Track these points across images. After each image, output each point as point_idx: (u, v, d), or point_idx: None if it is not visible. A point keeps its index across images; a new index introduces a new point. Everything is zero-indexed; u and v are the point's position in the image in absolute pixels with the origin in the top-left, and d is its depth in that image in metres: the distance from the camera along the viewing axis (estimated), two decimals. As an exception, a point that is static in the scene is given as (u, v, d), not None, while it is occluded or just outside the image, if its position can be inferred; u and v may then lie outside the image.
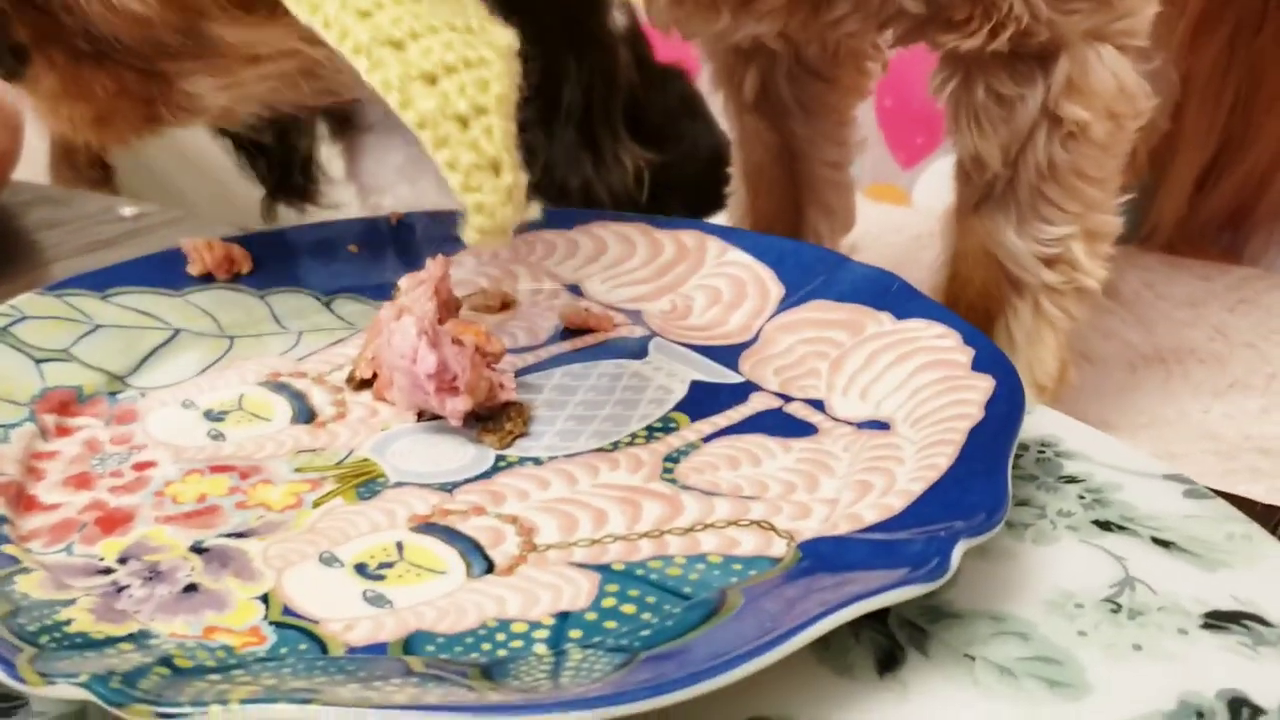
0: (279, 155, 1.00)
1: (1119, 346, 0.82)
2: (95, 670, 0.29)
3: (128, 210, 0.68)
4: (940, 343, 0.46)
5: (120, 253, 0.64)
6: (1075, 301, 0.59)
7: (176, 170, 1.36)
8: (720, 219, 1.08)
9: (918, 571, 0.33)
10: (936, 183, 1.20)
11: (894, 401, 0.44)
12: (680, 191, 1.09)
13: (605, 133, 0.96)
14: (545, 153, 0.92)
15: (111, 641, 0.32)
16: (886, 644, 0.35)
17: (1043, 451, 0.45)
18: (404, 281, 0.49)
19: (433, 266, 0.48)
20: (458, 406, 0.43)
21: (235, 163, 1.01)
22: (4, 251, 0.65)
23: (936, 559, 0.33)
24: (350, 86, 0.51)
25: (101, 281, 0.51)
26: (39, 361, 0.46)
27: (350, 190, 1.06)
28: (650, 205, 1.01)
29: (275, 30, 0.42)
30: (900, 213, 1.13)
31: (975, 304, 0.62)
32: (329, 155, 1.03)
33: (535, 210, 0.35)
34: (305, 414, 0.46)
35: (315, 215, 1.04)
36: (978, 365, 0.44)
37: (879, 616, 0.36)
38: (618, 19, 1.00)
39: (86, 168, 1.42)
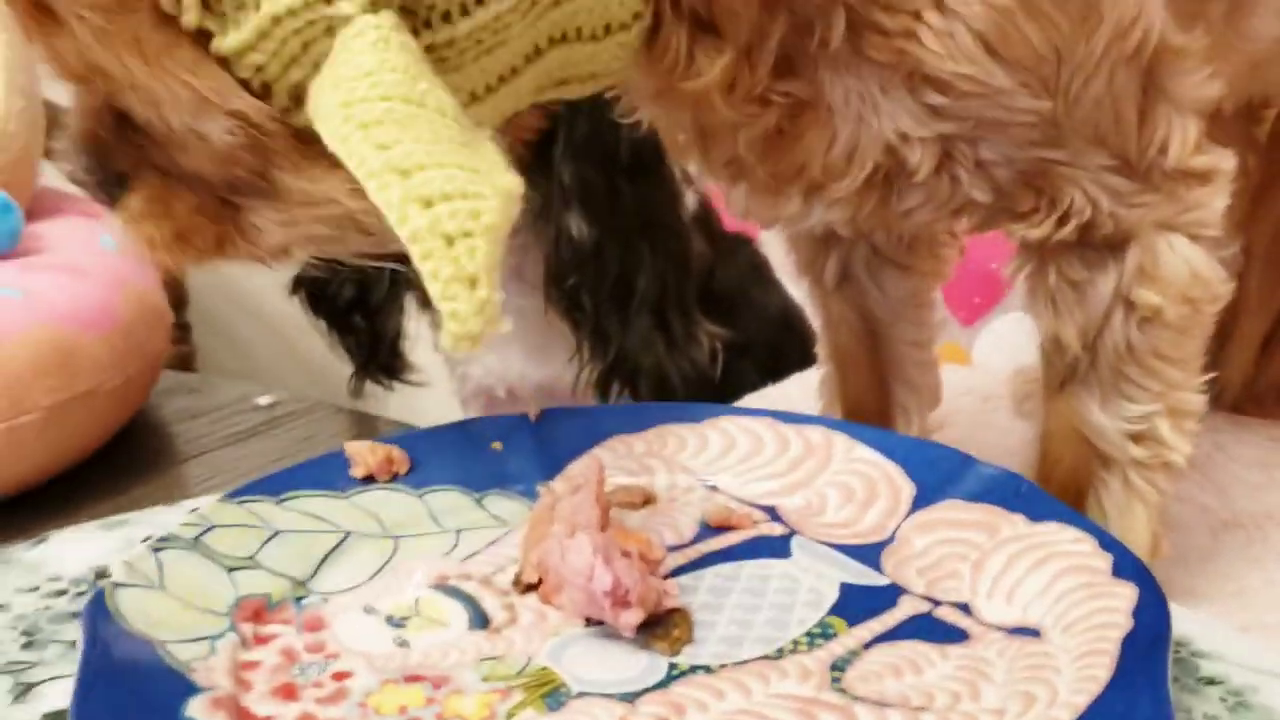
0: (369, 334, 1.05)
1: (1196, 511, 0.84)
2: None
3: (263, 399, 0.72)
4: (1077, 548, 0.49)
5: (261, 444, 0.68)
6: (1163, 476, 0.61)
7: (261, 346, 1.40)
8: (796, 381, 1.11)
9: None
10: (995, 341, 1.23)
11: (1040, 607, 0.47)
12: (752, 355, 1.13)
13: (677, 316, 1.00)
14: (619, 339, 0.97)
15: None
16: None
17: (1178, 651, 0.47)
18: (559, 485, 0.52)
19: (588, 470, 0.51)
20: (630, 620, 0.46)
21: (326, 341, 1.05)
22: (149, 444, 0.68)
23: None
24: (389, 241, 0.54)
25: (275, 487, 0.54)
26: (230, 570, 0.49)
27: (436, 359, 1.10)
28: (724, 373, 1.05)
29: (332, 181, 0.46)
30: (966, 373, 1.15)
31: (1067, 481, 0.64)
32: (416, 328, 1.07)
33: (506, 325, 0.39)
34: (480, 619, 0.48)
35: (401, 390, 1.08)
36: (1118, 572, 0.47)
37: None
38: (689, 200, 1.05)
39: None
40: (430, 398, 1.11)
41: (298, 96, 0.42)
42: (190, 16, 0.40)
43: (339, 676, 0.45)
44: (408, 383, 1.07)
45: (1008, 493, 0.53)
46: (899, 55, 0.49)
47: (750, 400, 1.07)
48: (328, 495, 0.55)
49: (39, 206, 0.67)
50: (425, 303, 1.06)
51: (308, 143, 0.43)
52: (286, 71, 0.42)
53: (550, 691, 0.44)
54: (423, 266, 0.37)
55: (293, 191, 0.47)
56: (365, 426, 0.71)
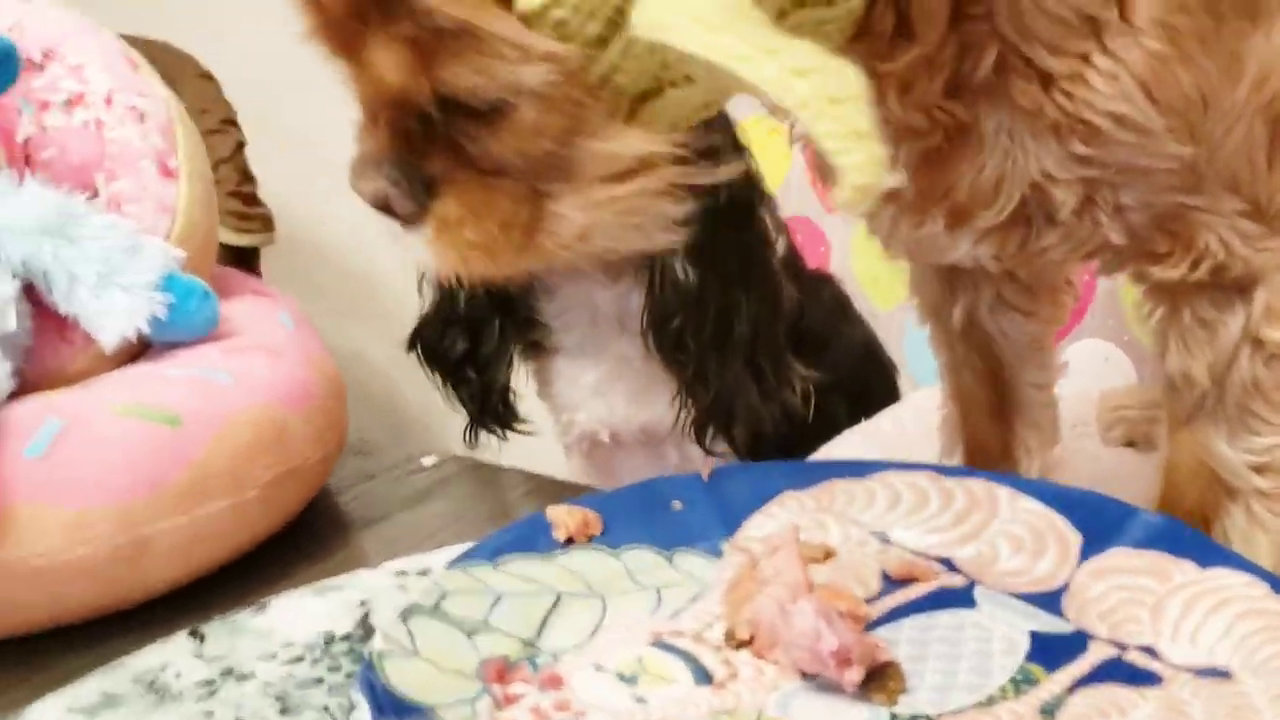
0: (481, 385, 1.09)
1: None
2: None
3: (428, 460, 0.76)
4: (1250, 591, 0.53)
5: (434, 506, 0.72)
6: None
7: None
8: (888, 416, 1.15)
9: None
10: (1071, 368, 1.26)
11: (1225, 649, 0.51)
12: (841, 388, 1.17)
13: (768, 360, 1.05)
14: (717, 381, 1.01)
15: None
16: None
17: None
18: (756, 546, 0.56)
19: (785, 532, 0.55)
20: (854, 677, 0.50)
21: (442, 394, 1.09)
22: (331, 511, 0.72)
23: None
24: (663, 230, 0.56)
25: (489, 552, 0.58)
26: (469, 634, 0.53)
27: (541, 406, 1.14)
28: (815, 407, 1.09)
29: (632, 137, 0.49)
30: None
31: (1193, 512, 0.67)
32: (525, 383, 1.11)
33: (898, 178, 0.41)
34: (702, 675, 0.52)
35: (513, 439, 1.12)
36: (1296, 615, 0.50)
37: None
38: (779, 246, 1.10)
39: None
40: (536, 444, 1.15)
41: (594, 48, 0.46)
42: None
43: (592, 734, 0.49)
44: (519, 432, 1.11)
45: (1173, 538, 0.56)
46: (1040, 105, 0.53)
47: (846, 436, 1.11)
48: (536, 558, 0.59)
49: (216, 288, 0.71)
50: (528, 354, 1.10)
51: (608, 101, 0.48)
52: (584, 26, 0.45)
53: (789, 742, 0.48)
54: (816, 128, 0.39)
55: (595, 160, 0.50)
56: (525, 483, 0.75)
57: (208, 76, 1.49)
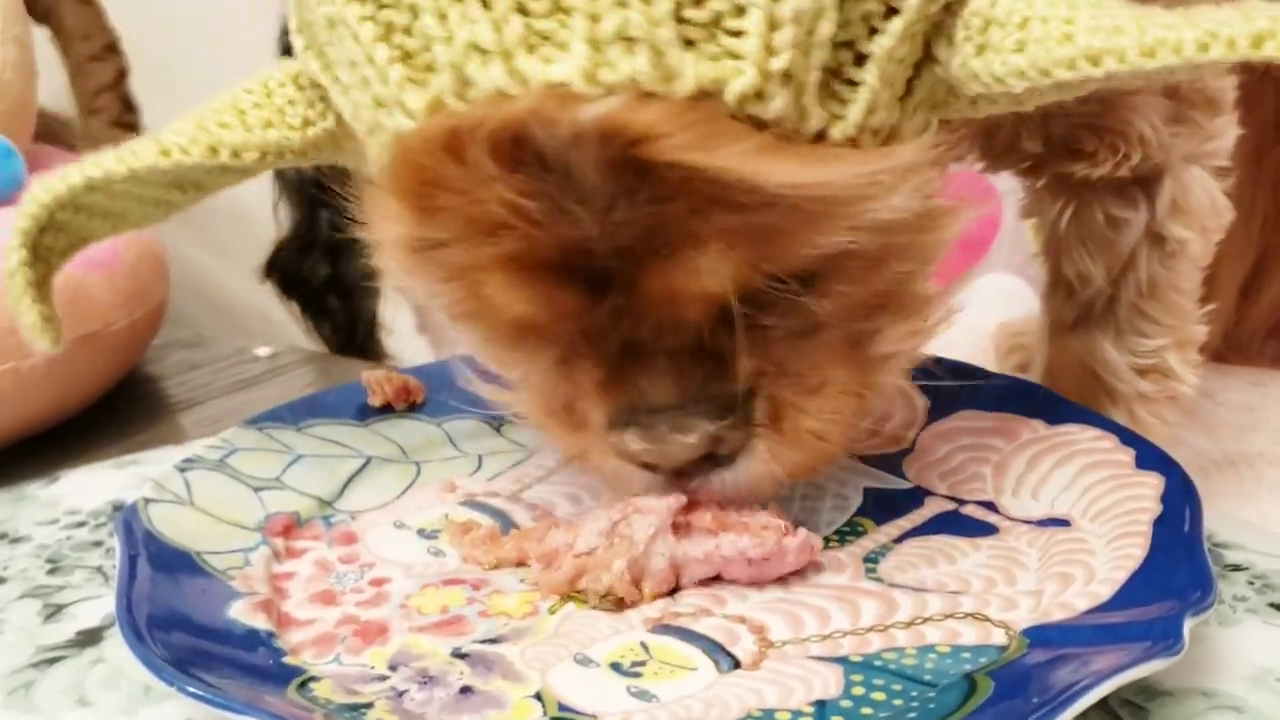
0: (345, 317, 1.03)
1: (1188, 453, 0.85)
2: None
3: (262, 351, 0.71)
4: (1099, 444, 0.49)
5: (263, 392, 0.67)
6: (1168, 408, 0.62)
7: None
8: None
9: (1157, 646, 0.36)
10: (973, 301, 1.24)
11: (1067, 500, 0.47)
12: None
13: None
14: None
15: (423, 739, 0.35)
16: (1113, 722, 0.38)
17: (1202, 543, 0.48)
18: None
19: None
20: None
21: (302, 326, 1.04)
22: (150, 394, 0.68)
23: (1170, 635, 0.36)
24: None
25: (294, 415, 0.54)
26: (256, 490, 0.49)
27: (419, 344, 1.09)
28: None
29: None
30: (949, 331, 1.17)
31: None
32: (394, 313, 1.06)
33: None
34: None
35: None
36: (1141, 464, 0.47)
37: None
38: None
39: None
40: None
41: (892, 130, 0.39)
42: (814, 118, 0.37)
43: (376, 583, 0.45)
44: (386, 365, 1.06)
45: (1024, 399, 0.53)
46: None
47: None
48: (346, 423, 0.55)
49: (33, 160, 0.67)
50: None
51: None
52: (903, 103, 0.39)
53: (590, 591, 0.44)
54: None
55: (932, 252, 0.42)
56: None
57: (88, 1, 1.42)
